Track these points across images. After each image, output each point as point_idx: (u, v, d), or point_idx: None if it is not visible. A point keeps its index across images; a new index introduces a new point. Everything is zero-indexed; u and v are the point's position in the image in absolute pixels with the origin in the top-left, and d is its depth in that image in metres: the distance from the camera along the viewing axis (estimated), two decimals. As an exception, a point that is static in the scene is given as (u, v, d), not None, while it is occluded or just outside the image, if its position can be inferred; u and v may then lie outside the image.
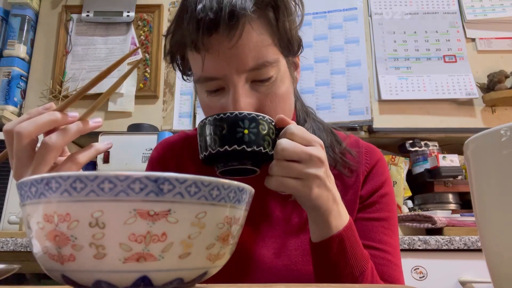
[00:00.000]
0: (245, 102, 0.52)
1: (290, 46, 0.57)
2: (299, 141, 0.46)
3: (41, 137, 0.45)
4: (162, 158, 0.69)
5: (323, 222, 0.49)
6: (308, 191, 0.46)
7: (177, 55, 0.59)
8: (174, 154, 0.69)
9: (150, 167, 0.70)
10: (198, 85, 0.57)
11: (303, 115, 0.67)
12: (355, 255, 0.50)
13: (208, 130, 0.47)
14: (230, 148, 0.45)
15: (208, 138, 0.47)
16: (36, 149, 0.45)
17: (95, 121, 0.49)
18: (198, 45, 0.51)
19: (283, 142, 0.45)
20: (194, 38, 0.51)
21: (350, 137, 0.69)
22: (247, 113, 0.47)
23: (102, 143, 0.50)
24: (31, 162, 0.44)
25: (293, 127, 0.47)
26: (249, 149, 0.45)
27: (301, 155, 0.45)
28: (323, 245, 0.50)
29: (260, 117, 0.47)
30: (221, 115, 0.47)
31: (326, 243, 0.49)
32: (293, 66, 0.61)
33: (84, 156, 0.48)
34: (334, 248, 0.49)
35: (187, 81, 0.64)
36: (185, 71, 0.61)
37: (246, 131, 0.46)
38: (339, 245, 0.49)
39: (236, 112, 0.46)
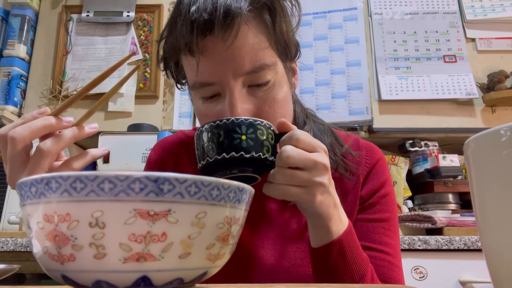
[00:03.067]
0: (242, 107, 0.50)
1: (288, 50, 0.56)
2: (304, 147, 0.44)
3: (36, 142, 0.45)
4: (159, 158, 0.69)
5: (323, 228, 0.48)
6: (312, 199, 0.45)
7: (171, 61, 0.57)
8: (172, 154, 0.69)
9: (148, 168, 0.70)
10: (193, 92, 0.55)
11: (303, 117, 0.66)
12: (355, 259, 0.50)
13: (204, 138, 0.46)
14: (228, 156, 0.44)
15: (205, 147, 0.45)
16: (31, 154, 0.45)
17: (91, 126, 0.48)
18: (192, 47, 0.50)
19: (288, 149, 0.43)
20: (188, 40, 0.49)
21: (351, 137, 0.68)
22: (244, 119, 0.45)
23: (98, 149, 0.50)
24: (25, 167, 0.44)
25: (298, 132, 0.45)
26: (247, 156, 0.44)
27: (306, 163, 0.43)
28: (322, 250, 0.49)
29: (257, 122, 0.45)
30: (217, 121, 0.45)
31: (326, 248, 0.49)
32: (291, 72, 0.60)
33: (79, 163, 0.48)
34: (334, 253, 0.49)
35: (181, 89, 0.62)
36: (179, 79, 0.60)
37: (243, 137, 0.44)
38: (339, 250, 0.49)
39: (233, 118, 0.45)
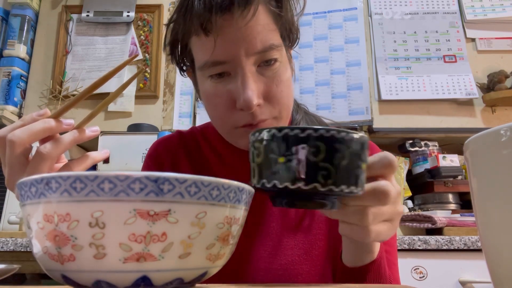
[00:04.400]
0: (254, 86, 0.51)
1: (291, 35, 0.58)
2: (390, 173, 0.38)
3: (36, 144, 0.44)
4: (157, 156, 0.69)
5: (368, 248, 0.47)
6: (393, 232, 0.41)
7: (179, 44, 0.57)
8: (170, 152, 0.69)
9: (145, 165, 0.70)
10: (201, 72, 0.55)
11: (294, 107, 0.67)
12: (385, 273, 0.49)
13: (297, 151, 0.30)
14: (324, 189, 0.30)
15: (292, 164, 0.30)
16: (30, 157, 0.44)
17: (92, 130, 0.48)
18: (208, 27, 0.50)
19: (389, 189, 0.36)
20: (205, 19, 0.49)
21: None
22: (356, 135, 0.31)
23: (98, 152, 0.50)
24: (24, 170, 0.43)
25: (391, 157, 0.37)
26: (347, 190, 0.30)
27: (393, 196, 0.37)
28: (361, 270, 0.48)
29: (367, 141, 0.32)
30: (321, 131, 0.29)
31: (364, 268, 0.48)
32: (289, 59, 0.61)
33: (80, 167, 0.47)
34: (373, 272, 0.48)
35: (184, 76, 0.63)
36: (182, 65, 0.60)
37: (364, 166, 0.31)
38: (377, 269, 0.48)
39: (344, 131, 0.30)
